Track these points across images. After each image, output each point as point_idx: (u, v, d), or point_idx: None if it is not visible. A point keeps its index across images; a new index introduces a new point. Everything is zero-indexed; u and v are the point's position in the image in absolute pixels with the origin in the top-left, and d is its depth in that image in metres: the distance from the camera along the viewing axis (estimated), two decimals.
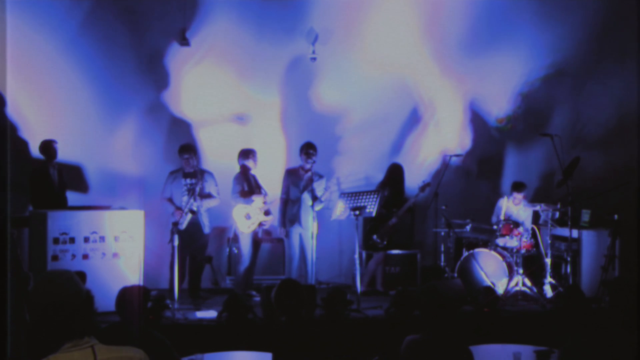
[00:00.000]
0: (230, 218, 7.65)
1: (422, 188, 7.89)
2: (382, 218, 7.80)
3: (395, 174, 8.06)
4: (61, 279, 2.43)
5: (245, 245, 7.54)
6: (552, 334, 5.14)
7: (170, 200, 7.37)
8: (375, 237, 7.86)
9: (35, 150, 7.56)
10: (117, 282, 5.54)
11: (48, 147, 7.24)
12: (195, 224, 7.29)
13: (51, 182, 7.24)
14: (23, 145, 7.76)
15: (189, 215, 7.11)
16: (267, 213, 7.59)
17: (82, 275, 2.55)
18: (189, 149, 7.47)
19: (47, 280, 2.44)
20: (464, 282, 7.22)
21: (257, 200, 7.50)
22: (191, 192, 7.13)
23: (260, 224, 7.58)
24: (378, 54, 8.60)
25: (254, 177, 7.67)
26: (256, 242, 7.63)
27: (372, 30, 8.59)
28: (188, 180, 7.36)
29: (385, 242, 7.90)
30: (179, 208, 7.21)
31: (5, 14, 6.24)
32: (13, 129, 7.63)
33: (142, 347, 2.56)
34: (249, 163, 7.58)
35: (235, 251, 7.72)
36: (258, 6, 8.31)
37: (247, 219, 7.48)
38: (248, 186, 7.54)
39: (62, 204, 7.14)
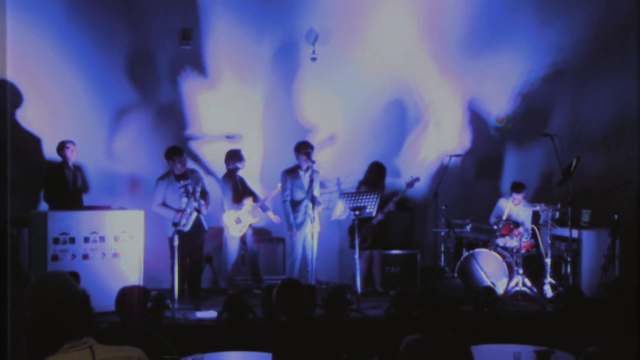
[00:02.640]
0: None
1: (410, 184, 7.71)
2: (364, 217, 7.54)
3: (375, 171, 7.83)
4: (55, 281, 2.42)
5: (233, 246, 7.55)
6: (552, 334, 5.14)
7: (165, 205, 7.28)
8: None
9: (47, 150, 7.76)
10: (117, 282, 5.55)
11: (58, 149, 7.27)
12: (197, 224, 7.28)
13: (64, 183, 7.24)
14: (35, 144, 7.79)
15: (194, 215, 7.10)
16: (254, 215, 7.60)
17: (75, 276, 2.53)
18: (181, 151, 7.36)
19: (42, 283, 2.43)
20: (464, 282, 7.22)
21: (247, 203, 7.50)
22: (189, 193, 7.10)
23: (250, 226, 7.59)
24: (378, 54, 8.60)
25: (241, 179, 7.63)
26: (244, 241, 7.62)
27: (372, 30, 8.58)
28: (182, 182, 7.29)
29: (368, 242, 7.74)
30: (179, 210, 7.14)
31: (5, 14, 6.24)
32: (20, 129, 7.67)
33: (141, 347, 2.56)
34: (238, 164, 7.55)
35: (242, 252, 7.69)
36: (258, 7, 8.31)
37: (237, 223, 7.48)
38: (237, 189, 7.52)
39: (74, 206, 7.07)
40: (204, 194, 7.32)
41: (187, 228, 7.06)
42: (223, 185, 7.54)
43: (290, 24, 8.43)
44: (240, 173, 7.61)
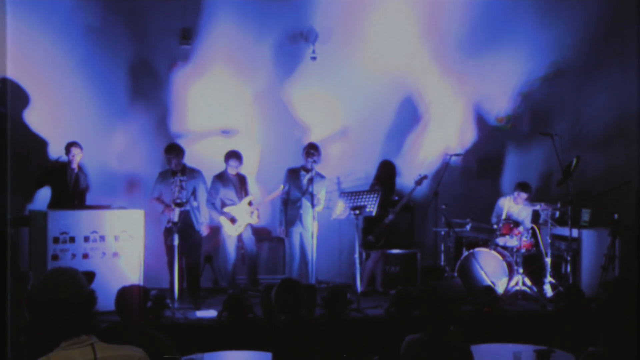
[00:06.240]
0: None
1: (419, 181, 7.77)
2: (377, 217, 7.64)
3: (386, 170, 7.97)
4: (64, 277, 2.43)
5: (230, 245, 7.53)
6: (552, 334, 5.14)
7: (159, 199, 7.28)
8: (370, 237, 7.79)
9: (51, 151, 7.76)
10: (117, 281, 5.54)
11: (65, 149, 7.26)
12: (187, 222, 7.18)
13: (65, 183, 7.22)
14: (39, 145, 7.79)
15: (177, 210, 6.98)
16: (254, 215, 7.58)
17: (89, 275, 2.52)
18: (174, 148, 7.34)
19: (51, 277, 2.45)
20: (464, 282, 7.22)
21: (244, 202, 7.49)
22: (180, 188, 7.01)
23: (248, 226, 7.57)
24: (378, 53, 8.59)
25: (243, 178, 7.65)
26: (241, 240, 7.58)
27: (372, 29, 8.58)
28: (177, 177, 7.25)
29: (382, 241, 7.84)
30: (168, 205, 7.10)
31: (6, 14, 6.24)
32: (24, 131, 7.68)
33: (141, 346, 2.57)
34: (232, 164, 7.52)
35: (242, 251, 7.69)
36: (258, 6, 8.31)
37: (232, 223, 7.48)
38: (236, 188, 7.52)
39: (75, 206, 7.04)
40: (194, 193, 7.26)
41: (175, 219, 6.85)
42: (211, 182, 7.53)
43: (290, 24, 8.42)
44: (240, 172, 7.64)
